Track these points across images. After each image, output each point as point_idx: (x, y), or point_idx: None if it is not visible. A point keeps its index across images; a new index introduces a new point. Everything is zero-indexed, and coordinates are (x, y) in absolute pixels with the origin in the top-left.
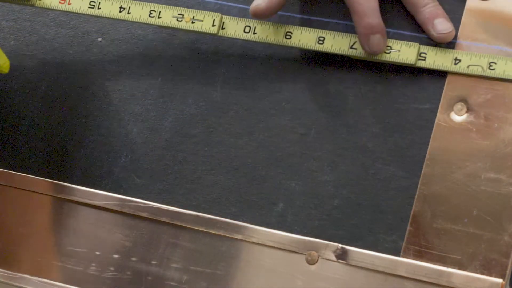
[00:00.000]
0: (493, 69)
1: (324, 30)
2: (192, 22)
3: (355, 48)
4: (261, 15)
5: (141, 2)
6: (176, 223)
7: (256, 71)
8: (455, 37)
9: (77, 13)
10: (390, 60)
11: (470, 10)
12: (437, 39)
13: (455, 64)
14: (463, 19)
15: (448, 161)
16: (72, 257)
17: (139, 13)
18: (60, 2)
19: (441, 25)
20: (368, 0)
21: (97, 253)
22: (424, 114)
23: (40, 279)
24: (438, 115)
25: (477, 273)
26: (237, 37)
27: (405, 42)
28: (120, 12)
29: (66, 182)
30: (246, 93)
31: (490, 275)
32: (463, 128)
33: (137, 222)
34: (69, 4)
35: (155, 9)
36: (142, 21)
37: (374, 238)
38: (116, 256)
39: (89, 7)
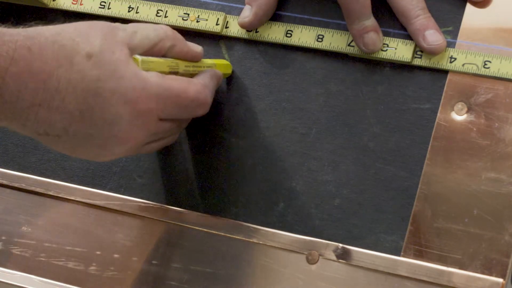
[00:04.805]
0: (488, 68)
1: (323, 28)
2: (197, 21)
3: (353, 46)
4: (247, 28)
5: (148, 2)
6: (176, 223)
7: (256, 71)
8: (456, 37)
9: (88, 13)
10: (386, 57)
11: (471, 10)
12: (427, 50)
13: (451, 62)
14: (463, 19)
15: (448, 160)
16: (72, 257)
17: (147, 13)
18: (72, 3)
19: (432, 37)
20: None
21: (98, 252)
22: (424, 114)
23: (40, 278)
24: (439, 115)
25: (477, 272)
26: (240, 36)
27: (402, 40)
28: (128, 12)
29: (66, 182)
30: (246, 93)
31: (490, 274)
32: (464, 128)
33: (138, 222)
34: (81, 4)
35: (162, 9)
36: (149, 21)
37: (375, 238)
38: (116, 255)
39: (99, 7)
